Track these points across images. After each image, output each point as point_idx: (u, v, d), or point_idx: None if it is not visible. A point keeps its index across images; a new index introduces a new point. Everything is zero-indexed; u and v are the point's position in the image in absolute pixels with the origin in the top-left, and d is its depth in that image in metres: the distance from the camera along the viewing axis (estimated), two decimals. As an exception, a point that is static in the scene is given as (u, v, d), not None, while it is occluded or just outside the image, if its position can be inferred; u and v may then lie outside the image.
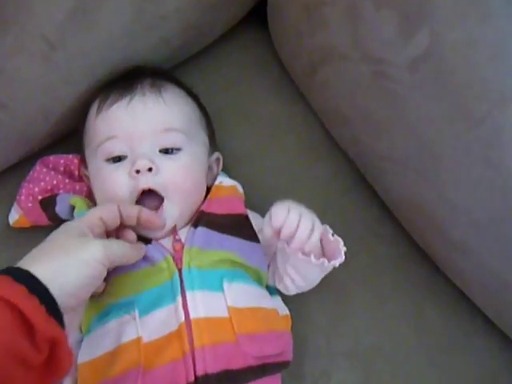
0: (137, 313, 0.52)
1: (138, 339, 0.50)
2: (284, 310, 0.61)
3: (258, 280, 0.60)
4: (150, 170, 0.56)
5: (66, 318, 0.42)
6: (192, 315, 0.51)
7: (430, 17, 0.48)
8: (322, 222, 0.70)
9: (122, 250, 0.50)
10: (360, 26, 0.55)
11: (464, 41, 0.47)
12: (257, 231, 0.61)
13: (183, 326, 0.51)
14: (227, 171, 0.69)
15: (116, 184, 0.56)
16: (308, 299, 0.66)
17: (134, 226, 0.55)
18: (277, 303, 0.60)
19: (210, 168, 0.64)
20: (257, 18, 0.78)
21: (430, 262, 0.69)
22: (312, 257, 0.53)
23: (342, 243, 0.55)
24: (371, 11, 0.53)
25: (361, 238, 0.71)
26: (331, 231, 0.55)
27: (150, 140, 0.57)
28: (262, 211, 0.68)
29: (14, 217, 0.65)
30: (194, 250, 0.56)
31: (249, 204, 0.66)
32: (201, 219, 0.58)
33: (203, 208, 0.59)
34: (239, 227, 0.60)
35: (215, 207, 0.60)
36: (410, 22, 0.49)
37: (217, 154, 0.67)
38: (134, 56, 0.63)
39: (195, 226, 0.57)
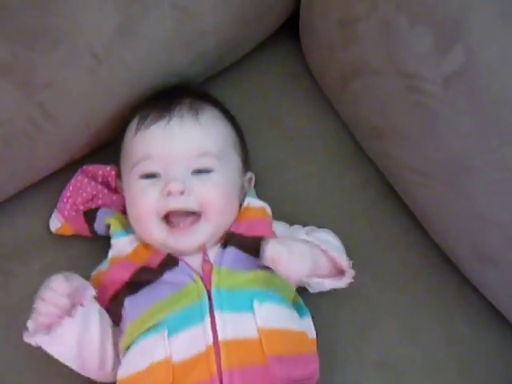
0: (166, 332, 0.52)
1: (167, 359, 0.51)
2: (312, 333, 0.60)
3: (289, 296, 0.60)
4: (182, 192, 0.57)
5: None
6: (220, 336, 0.52)
7: (466, 34, 0.49)
8: (351, 232, 0.73)
9: None
10: (394, 41, 0.56)
11: (499, 58, 0.48)
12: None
13: (211, 347, 0.51)
14: (258, 181, 0.70)
15: (146, 200, 0.59)
16: (337, 307, 0.66)
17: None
18: (306, 326, 0.60)
19: (242, 187, 0.66)
20: (288, 30, 0.80)
21: (460, 273, 0.69)
22: (314, 279, 0.56)
23: (346, 262, 0.57)
24: (406, 27, 0.54)
25: (391, 247, 0.72)
26: (334, 253, 0.58)
27: (184, 163, 0.59)
28: (291, 220, 0.69)
29: (56, 224, 0.68)
30: (223, 270, 0.56)
31: (278, 213, 0.67)
32: (230, 240, 0.59)
33: (232, 229, 0.60)
34: None
35: (244, 229, 0.60)
36: (445, 39, 0.51)
37: (249, 175, 0.68)
38: (173, 70, 0.65)
39: (224, 246, 0.59)
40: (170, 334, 0.52)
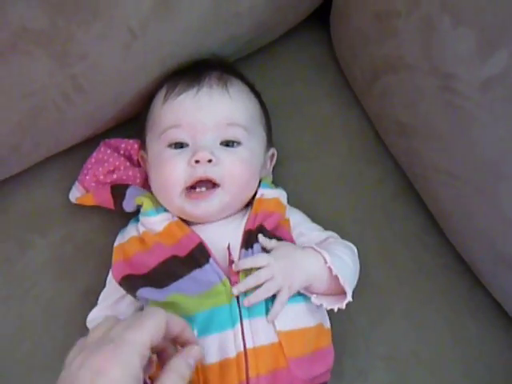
0: (196, 331, 0.52)
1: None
2: (327, 322, 0.61)
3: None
4: (209, 161, 0.57)
5: None
6: (248, 344, 0.52)
7: (511, 39, 0.49)
8: (368, 226, 0.73)
9: None
10: (433, 39, 0.56)
11: (543, 65, 0.48)
12: (292, 228, 0.63)
13: (241, 354, 0.51)
14: (278, 165, 0.71)
15: (174, 169, 0.58)
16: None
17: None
18: (321, 314, 0.60)
19: (264, 163, 0.66)
20: (317, 18, 0.80)
21: (471, 274, 0.70)
22: (312, 298, 0.55)
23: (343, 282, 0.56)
24: (448, 27, 0.53)
25: (405, 243, 0.73)
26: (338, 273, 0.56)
27: (212, 132, 0.59)
28: (308, 209, 0.70)
29: (76, 194, 0.67)
30: (247, 273, 0.54)
31: (295, 200, 0.68)
32: (250, 240, 0.57)
33: (249, 227, 0.58)
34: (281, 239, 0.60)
35: (260, 221, 0.59)
36: (489, 42, 0.50)
37: (272, 150, 0.68)
38: (204, 50, 0.65)
39: (246, 247, 0.57)
40: (199, 334, 0.52)
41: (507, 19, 0.48)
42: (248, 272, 0.55)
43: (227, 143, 0.60)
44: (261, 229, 0.59)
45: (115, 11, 0.52)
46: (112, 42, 0.55)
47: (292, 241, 0.62)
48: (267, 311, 0.54)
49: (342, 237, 0.67)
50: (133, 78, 0.62)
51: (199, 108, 0.59)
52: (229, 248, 0.56)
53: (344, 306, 0.56)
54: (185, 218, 0.60)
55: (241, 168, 0.59)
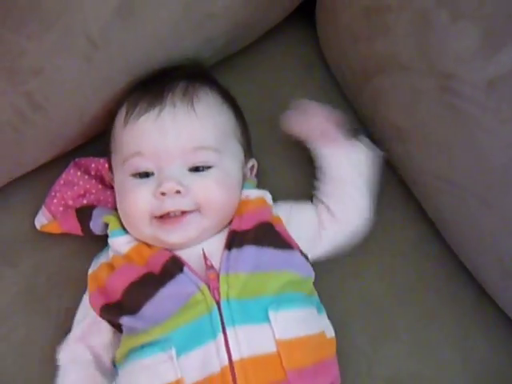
0: (173, 351, 0.48)
1: (180, 382, 0.47)
2: (331, 332, 0.57)
3: (305, 288, 0.56)
4: (178, 192, 0.52)
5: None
6: (234, 356, 0.47)
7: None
8: (365, 238, 0.67)
9: None
10: (430, 36, 0.51)
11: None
12: (284, 220, 0.59)
13: (226, 367, 0.47)
14: (263, 176, 0.66)
15: (137, 201, 0.54)
16: (349, 315, 0.63)
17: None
18: (324, 323, 0.57)
19: (244, 177, 0.61)
20: (302, 15, 0.74)
21: (476, 284, 0.66)
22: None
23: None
24: (446, 22, 0.48)
25: (406, 255, 0.68)
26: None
27: (179, 159, 0.54)
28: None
29: (42, 221, 0.63)
30: (231, 277, 0.51)
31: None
32: (234, 240, 0.54)
33: (234, 227, 0.55)
34: (270, 236, 0.56)
35: (245, 223, 0.55)
36: (494, 38, 0.45)
37: (252, 162, 0.63)
38: (177, 56, 0.60)
39: (229, 248, 0.53)
40: (178, 354, 0.48)
41: (514, 11, 0.43)
42: (229, 276, 0.50)
43: (197, 168, 0.54)
44: (246, 233, 0.54)
45: (70, 20, 0.47)
46: (69, 54, 0.50)
47: (289, 237, 0.57)
48: (262, 317, 0.49)
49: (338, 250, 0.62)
50: (98, 91, 0.57)
51: (162, 133, 0.54)
52: (204, 252, 0.53)
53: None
54: (159, 245, 0.55)
55: (215, 192, 0.54)
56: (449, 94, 0.51)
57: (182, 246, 0.54)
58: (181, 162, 0.54)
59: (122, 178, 0.56)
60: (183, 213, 0.53)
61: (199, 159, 0.54)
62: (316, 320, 0.55)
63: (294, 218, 0.59)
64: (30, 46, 0.46)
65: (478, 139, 0.51)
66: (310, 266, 0.57)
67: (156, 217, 0.53)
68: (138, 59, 0.56)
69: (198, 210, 0.54)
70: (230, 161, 0.57)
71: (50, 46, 0.47)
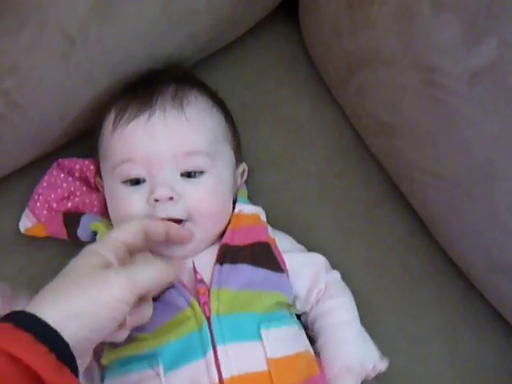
0: (161, 368, 0.46)
1: None
2: (311, 349, 0.55)
3: (286, 306, 0.55)
4: (170, 198, 0.51)
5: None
6: (225, 374, 0.46)
7: (502, 25, 0.43)
8: (352, 234, 0.68)
9: (152, 277, 0.43)
10: (413, 29, 0.50)
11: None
12: (281, 251, 0.57)
13: None
14: (250, 177, 0.65)
15: (131, 209, 0.52)
16: None
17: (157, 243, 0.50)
18: (306, 340, 0.55)
19: (235, 183, 0.60)
20: (286, 10, 0.73)
21: (466, 278, 0.65)
22: None
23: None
24: (429, 15, 0.48)
25: (393, 251, 0.67)
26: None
27: (170, 164, 0.52)
28: (286, 220, 0.65)
29: (26, 224, 0.61)
30: (222, 293, 0.50)
31: (273, 214, 0.62)
32: (226, 255, 0.52)
33: (226, 241, 0.53)
34: (266, 257, 0.55)
35: (239, 238, 0.54)
36: (476, 29, 0.45)
37: (243, 166, 0.62)
38: (159, 53, 0.58)
39: (221, 262, 0.52)
40: (166, 370, 0.46)
41: (495, 2, 0.42)
42: (220, 291, 0.49)
43: (189, 174, 0.53)
44: (241, 249, 0.53)
45: (46, 16, 0.45)
46: (46, 51, 0.48)
47: (282, 260, 0.56)
48: (254, 335, 0.48)
49: (325, 248, 0.62)
50: (78, 89, 0.55)
51: (153, 138, 0.52)
52: (194, 265, 0.51)
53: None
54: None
55: (208, 200, 0.53)
56: (432, 87, 0.51)
57: (180, 259, 0.53)
58: (172, 167, 0.52)
59: (112, 186, 0.55)
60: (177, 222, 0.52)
61: (191, 164, 0.53)
62: (302, 338, 0.54)
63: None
64: (4, 42, 0.45)
65: (463, 132, 0.50)
66: (292, 288, 0.56)
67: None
68: (119, 56, 0.54)
69: (189, 219, 0.52)
70: (222, 165, 0.56)
71: (25, 42, 0.46)
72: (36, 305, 0.38)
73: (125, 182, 0.53)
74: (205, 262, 0.52)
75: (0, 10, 0.43)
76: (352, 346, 0.55)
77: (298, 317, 0.59)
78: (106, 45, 0.52)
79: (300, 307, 0.58)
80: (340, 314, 0.57)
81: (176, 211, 0.51)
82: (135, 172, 0.53)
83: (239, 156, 0.61)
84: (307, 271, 0.57)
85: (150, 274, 0.43)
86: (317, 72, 0.72)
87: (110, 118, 0.55)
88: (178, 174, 0.53)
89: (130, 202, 0.52)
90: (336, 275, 0.60)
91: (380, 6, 0.52)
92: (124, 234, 0.46)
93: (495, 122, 0.47)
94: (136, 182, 0.53)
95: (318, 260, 0.60)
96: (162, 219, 0.51)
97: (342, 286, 0.60)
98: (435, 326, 0.65)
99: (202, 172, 0.53)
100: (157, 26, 0.54)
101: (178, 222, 0.52)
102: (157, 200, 0.51)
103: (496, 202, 0.51)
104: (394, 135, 0.60)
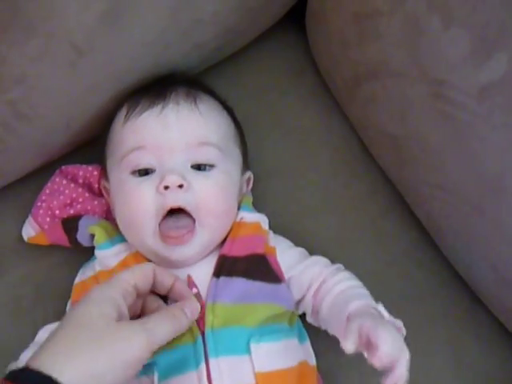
0: (156, 376, 0.46)
1: None
2: (312, 359, 0.55)
3: (286, 319, 0.54)
4: (180, 186, 0.50)
5: None
6: None
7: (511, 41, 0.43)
8: (356, 245, 0.67)
9: (169, 332, 0.43)
10: (422, 42, 0.50)
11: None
12: (278, 256, 0.56)
13: None
14: (256, 187, 0.64)
15: (141, 200, 0.51)
16: None
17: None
18: (306, 352, 0.55)
19: (241, 188, 0.59)
20: (293, 19, 0.73)
21: (471, 291, 0.65)
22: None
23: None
24: (438, 28, 0.47)
25: (398, 262, 0.67)
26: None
27: (182, 153, 0.52)
28: (291, 230, 0.64)
29: (30, 233, 0.61)
30: (217, 306, 0.49)
31: (278, 225, 0.62)
32: (223, 267, 0.52)
33: (224, 251, 0.53)
34: (262, 269, 0.54)
35: (237, 249, 0.54)
36: (486, 44, 0.44)
37: (248, 174, 0.62)
38: (165, 63, 0.58)
39: (218, 275, 0.51)
40: (160, 379, 0.46)
41: (506, 18, 0.42)
42: (215, 305, 0.49)
43: (199, 166, 0.53)
44: (236, 261, 0.52)
45: (53, 27, 0.45)
46: (53, 61, 0.48)
47: (279, 270, 0.55)
48: (243, 349, 0.48)
49: (329, 258, 0.61)
50: (84, 98, 0.55)
51: (165, 126, 0.52)
52: (189, 278, 0.51)
53: None
54: (156, 261, 0.52)
55: (216, 195, 0.53)
56: (441, 100, 0.50)
57: (180, 265, 0.53)
58: (184, 156, 0.52)
59: (120, 178, 0.53)
60: (180, 218, 0.51)
61: (203, 155, 0.53)
62: (297, 351, 0.53)
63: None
64: (11, 53, 0.44)
65: (471, 146, 0.50)
66: (293, 298, 0.56)
67: (160, 225, 0.51)
68: (125, 66, 0.54)
69: (196, 218, 0.51)
70: (231, 163, 0.56)
71: (32, 53, 0.45)
72: (50, 362, 0.36)
73: (133, 172, 0.52)
74: (202, 273, 0.52)
75: (8, 21, 0.42)
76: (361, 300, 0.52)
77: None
78: (112, 55, 0.52)
79: (303, 307, 0.57)
80: (347, 283, 0.55)
81: (186, 199, 0.50)
82: (145, 160, 0.52)
83: (246, 163, 0.61)
84: (306, 276, 0.56)
85: (167, 329, 0.43)
86: (323, 82, 0.71)
87: (122, 113, 0.55)
88: (189, 165, 0.52)
89: (138, 192, 0.51)
90: (339, 265, 0.58)
91: (389, 18, 0.52)
92: (136, 276, 0.45)
93: (504, 136, 0.47)
94: (145, 172, 0.52)
95: (318, 260, 0.59)
96: (172, 209, 0.50)
97: (348, 273, 0.58)
98: (439, 339, 0.64)
99: (212, 166, 0.53)
100: (164, 36, 0.54)
101: (188, 216, 0.51)
102: (167, 187, 0.50)
103: (503, 216, 0.51)
104: (399, 147, 0.60)
